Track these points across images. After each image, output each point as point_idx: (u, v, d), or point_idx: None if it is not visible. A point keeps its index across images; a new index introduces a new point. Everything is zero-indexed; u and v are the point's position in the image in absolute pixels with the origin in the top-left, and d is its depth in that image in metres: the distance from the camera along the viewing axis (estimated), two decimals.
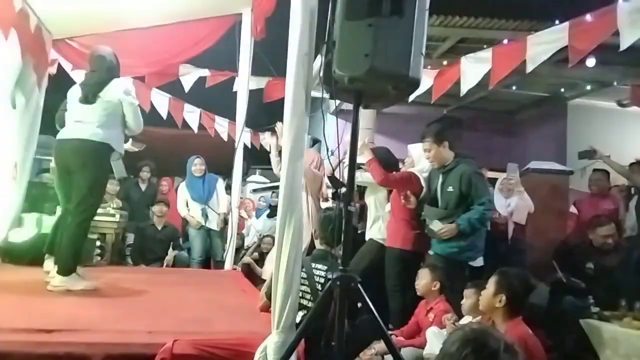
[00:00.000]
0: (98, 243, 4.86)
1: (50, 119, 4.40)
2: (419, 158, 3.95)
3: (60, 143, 3.34)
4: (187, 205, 5.71)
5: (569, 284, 3.96)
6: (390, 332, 3.03)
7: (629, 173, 4.67)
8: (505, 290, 2.43)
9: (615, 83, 7.35)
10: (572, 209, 5.11)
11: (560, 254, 4.54)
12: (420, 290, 3.30)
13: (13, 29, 4.06)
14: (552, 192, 5.29)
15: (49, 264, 3.51)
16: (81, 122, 3.32)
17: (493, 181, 4.82)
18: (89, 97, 3.32)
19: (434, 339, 2.78)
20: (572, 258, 4.29)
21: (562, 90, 8.29)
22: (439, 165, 3.63)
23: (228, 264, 5.20)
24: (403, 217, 3.78)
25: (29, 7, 4.35)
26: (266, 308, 2.89)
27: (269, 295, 2.65)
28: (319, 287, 2.70)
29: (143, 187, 6.41)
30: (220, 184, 5.90)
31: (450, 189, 3.50)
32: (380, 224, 4.05)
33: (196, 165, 5.70)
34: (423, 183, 3.84)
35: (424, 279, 3.29)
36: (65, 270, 3.14)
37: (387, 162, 4.02)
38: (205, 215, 5.62)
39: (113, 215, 5.01)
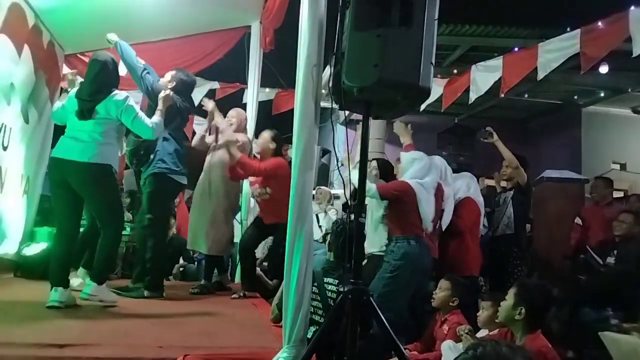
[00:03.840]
0: None
1: (63, 133, 4.43)
2: (405, 166, 3.72)
3: (60, 162, 3.13)
4: None
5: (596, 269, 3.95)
6: (404, 346, 2.98)
7: (518, 164, 4.26)
8: (525, 302, 2.35)
9: (629, 90, 7.27)
10: (577, 220, 4.97)
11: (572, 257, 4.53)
12: (437, 302, 3.14)
13: (26, 45, 4.13)
14: (568, 201, 5.20)
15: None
16: (77, 139, 3.14)
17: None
18: (84, 113, 3.13)
19: (450, 354, 2.71)
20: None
21: (576, 97, 8.23)
22: None
23: (237, 277, 5.16)
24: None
25: (41, 23, 4.42)
26: (277, 320, 2.87)
27: (280, 307, 2.62)
28: (331, 302, 2.65)
29: None
30: None
31: None
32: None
33: None
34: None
35: (444, 292, 3.12)
36: (101, 279, 3.16)
37: (386, 171, 4.01)
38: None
39: (123, 229, 5.01)
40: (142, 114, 3.26)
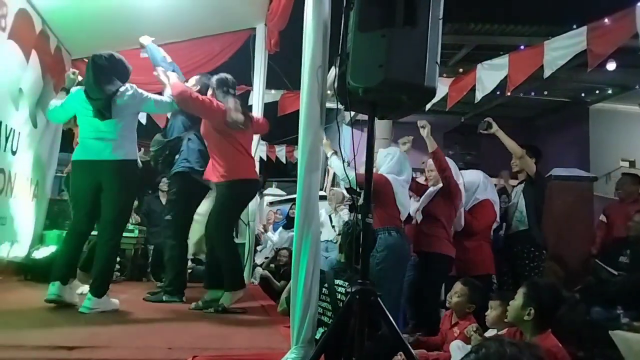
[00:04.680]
0: (117, 259, 4.88)
1: (71, 137, 4.48)
2: (380, 161, 3.73)
3: (91, 164, 3.13)
4: None
5: (600, 289, 3.86)
6: (414, 338, 2.99)
7: (522, 153, 3.97)
8: (535, 303, 2.32)
9: (637, 86, 7.22)
10: (602, 217, 4.93)
11: (599, 255, 4.44)
12: (453, 306, 3.09)
13: (34, 51, 4.17)
14: (576, 199, 5.17)
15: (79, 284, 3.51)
16: (103, 139, 3.13)
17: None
18: (103, 113, 3.09)
19: (458, 353, 2.70)
20: (608, 258, 4.16)
21: (583, 94, 8.18)
22: None
23: (245, 278, 5.18)
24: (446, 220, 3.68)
25: (48, 28, 4.46)
26: (285, 313, 2.88)
27: (288, 302, 2.62)
28: (341, 304, 2.65)
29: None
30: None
31: None
32: None
33: None
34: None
35: (461, 297, 3.05)
36: (100, 292, 3.10)
37: None
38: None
39: (132, 231, 5.05)
40: (156, 96, 3.40)
